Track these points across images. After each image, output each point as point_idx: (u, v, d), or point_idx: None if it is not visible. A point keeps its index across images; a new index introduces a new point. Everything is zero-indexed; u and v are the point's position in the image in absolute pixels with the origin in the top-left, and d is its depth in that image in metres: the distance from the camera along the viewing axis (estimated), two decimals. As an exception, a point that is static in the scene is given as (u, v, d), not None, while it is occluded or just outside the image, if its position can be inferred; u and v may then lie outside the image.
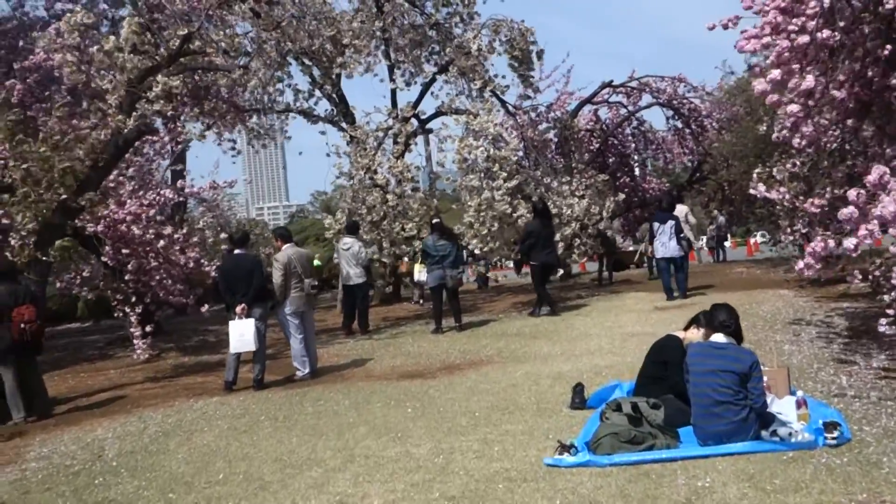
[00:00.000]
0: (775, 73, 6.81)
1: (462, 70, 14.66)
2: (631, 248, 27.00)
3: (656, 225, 12.85)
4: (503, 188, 12.96)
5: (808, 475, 4.25)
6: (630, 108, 22.95)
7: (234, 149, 16.43)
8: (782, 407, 5.20)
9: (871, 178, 5.49)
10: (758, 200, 21.07)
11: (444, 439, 5.60)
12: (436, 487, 4.59)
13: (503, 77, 15.01)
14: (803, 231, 11.20)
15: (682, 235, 12.64)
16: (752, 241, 38.68)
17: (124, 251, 10.37)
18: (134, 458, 5.97)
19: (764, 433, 4.84)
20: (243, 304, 8.37)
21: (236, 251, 8.81)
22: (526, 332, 10.89)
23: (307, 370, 9.02)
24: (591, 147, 22.96)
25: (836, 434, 4.70)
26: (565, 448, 4.87)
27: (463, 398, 6.96)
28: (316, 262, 31.42)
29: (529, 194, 14.16)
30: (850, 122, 7.68)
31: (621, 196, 17.08)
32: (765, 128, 13.48)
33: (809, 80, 6.60)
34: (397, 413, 6.61)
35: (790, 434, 4.77)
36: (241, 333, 8.30)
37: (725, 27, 7.34)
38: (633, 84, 22.09)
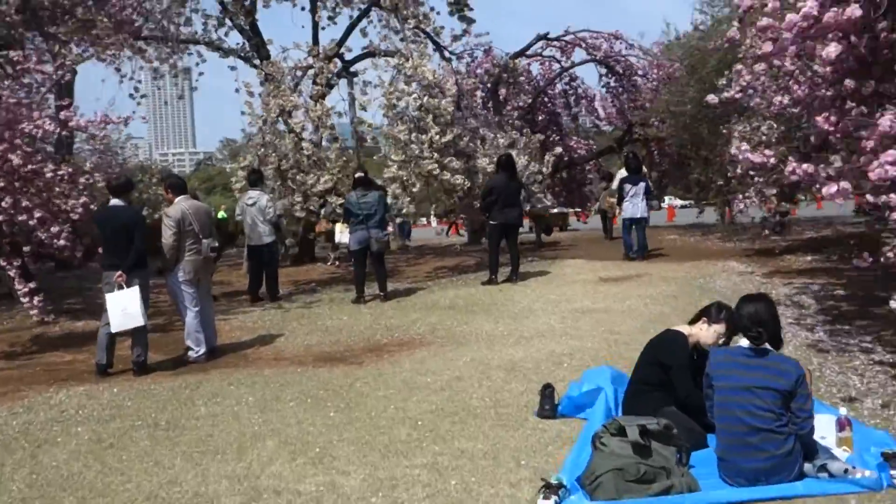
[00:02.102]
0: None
1: (394, 5, 13.01)
2: (555, 211, 26.13)
3: (627, 186, 12.78)
4: (436, 143, 11.48)
5: (892, 539, 3.10)
6: (564, 63, 21.77)
7: (136, 90, 14.43)
8: (819, 429, 4.05)
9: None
10: (690, 163, 20.57)
11: (380, 463, 4.22)
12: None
13: (437, 13, 13.42)
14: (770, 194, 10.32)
15: (648, 196, 12.89)
16: (665, 205, 38.46)
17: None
18: (-47, 483, 4.36)
19: (808, 467, 3.68)
20: (121, 273, 6.73)
21: (113, 202, 7.08)
22: (460, 304, 9.58)
23: (203, 349, 7.46)
24: (521, 104, 21.76)
25: (903, 470, 3.59)
26: (551, 489, 3.59)
27: (399, 396, 5.60)
28: (220, 215, 29.20)
29: (463, 149, 12.71)
30: (847, 81, 6.57)
31: (558, 150, 15.89)
32: (723, 82, 12.52)
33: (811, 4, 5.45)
34: (316, 418, 5.18)
35: (846, 471, 3.62)
36: (124, 307, 6.66)
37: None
38: (569, 38, 20.88)
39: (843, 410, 4.14)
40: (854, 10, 5.36)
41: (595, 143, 24.95)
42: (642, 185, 12.79)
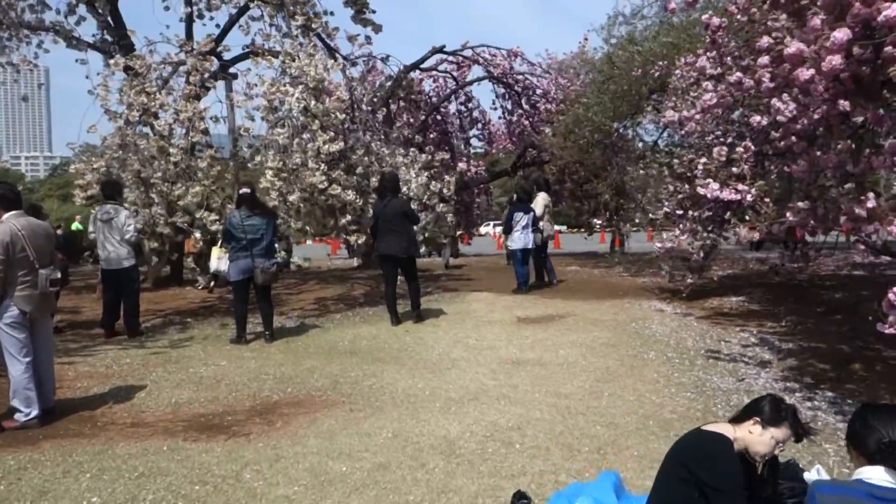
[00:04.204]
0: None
1: (280, 0, 11.46)
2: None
3: (518, 215, 11.87)
4: (323, 153, 10.02)
5: None
6: (459, 80, 20.72)
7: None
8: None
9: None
10: (579, 189, 20.00)
11: None
12: None
13: (332, 14, 12.04)
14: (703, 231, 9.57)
15: (535, 227, 12.00)
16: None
17: None
18: None
19: None
20: None
21: None
22: (363, 347, 8.14)
23: (35, 412, 5.68)
24: (412, 120, 20.57)
25: None
26: None
27: (307, 498, 4.11)
28: (75, 226, 26.43)
29: (355, 164, 11.30)
30: (841, 102, 5.70)
31: (461, 166, 14.87)
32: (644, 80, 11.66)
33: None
34: (192, 539, 3.65)
35: None
36: None
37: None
38: (466, 53, 19.87)
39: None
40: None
41: (484, 166, 24.12)
42: (531, 214, 12.01)
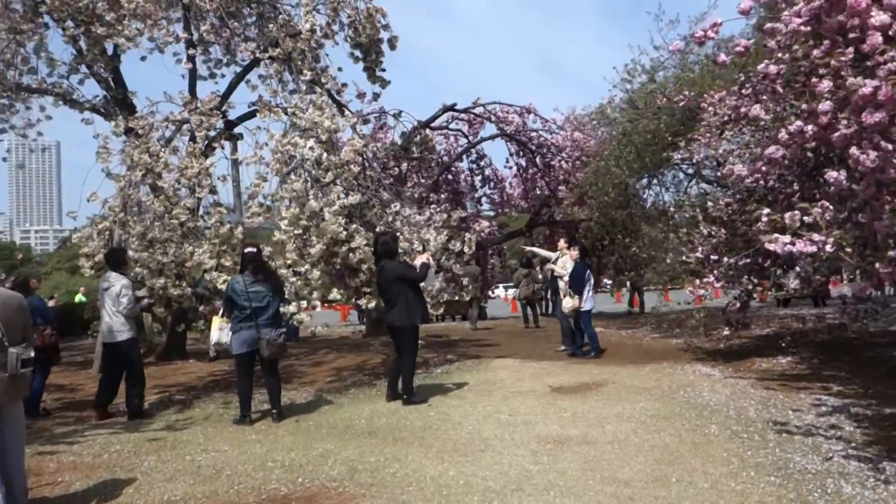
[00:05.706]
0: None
1: (288, 55, 10.91)
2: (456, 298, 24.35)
3: (588, 273, 11.33)
4: (338, 204, 9.29)
5: None
6: (471, 138, 20.18)
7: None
8: None
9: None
10: (601, 247, 19.24)
11: None
12: None
13: (340, 70, 11.51)
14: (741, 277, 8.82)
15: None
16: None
17: None
18: None
19: None
20: None
21: None
22: (382, 425, 7.24)
23: (0, 517, 4.83)
24: (423, 180, 19.98)
25: None
26: None
27: None
28: (78, 298, 25.74)
29: (371, 220, 10.56)
30: None
31: (484, 224, 14.20)
32: (678, 153, 10.97)
33: None
34: None
35: None
36: None
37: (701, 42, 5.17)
38: (478, 111, 19.36)
39: None
40: None
41: (497, 228, 23.44)
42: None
